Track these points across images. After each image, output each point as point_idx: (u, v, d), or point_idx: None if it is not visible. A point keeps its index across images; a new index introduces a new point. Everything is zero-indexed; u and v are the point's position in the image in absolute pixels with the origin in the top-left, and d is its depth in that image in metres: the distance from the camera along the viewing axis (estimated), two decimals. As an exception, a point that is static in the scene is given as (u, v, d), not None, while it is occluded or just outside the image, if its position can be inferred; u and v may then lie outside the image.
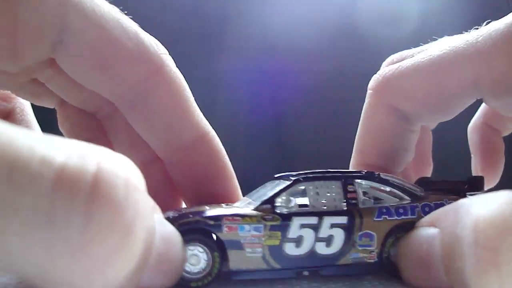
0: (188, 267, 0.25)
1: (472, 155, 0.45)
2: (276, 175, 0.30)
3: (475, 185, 0.30)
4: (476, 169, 0.44)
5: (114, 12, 0.27)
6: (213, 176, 0.31)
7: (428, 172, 0.41)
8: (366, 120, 0.36)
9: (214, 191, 0.31)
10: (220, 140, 0.33)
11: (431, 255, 0.23)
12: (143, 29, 0.30)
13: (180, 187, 0.32)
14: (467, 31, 0.32)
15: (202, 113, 0.33)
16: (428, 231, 0.25)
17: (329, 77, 0.73)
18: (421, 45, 0.35)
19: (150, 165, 0.32)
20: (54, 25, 0.25)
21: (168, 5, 0.73)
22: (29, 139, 0.14)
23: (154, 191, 0.29)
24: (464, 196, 0.29)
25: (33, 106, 0.36)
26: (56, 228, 0.14)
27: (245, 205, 0.28)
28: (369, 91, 0.36)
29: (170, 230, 0.21)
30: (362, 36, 0.70)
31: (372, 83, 0.35)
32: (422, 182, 0.33)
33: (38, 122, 0.38)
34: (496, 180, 0.43)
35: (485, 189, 0.31)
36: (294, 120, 0.74)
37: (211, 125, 0.33)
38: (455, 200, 0.28)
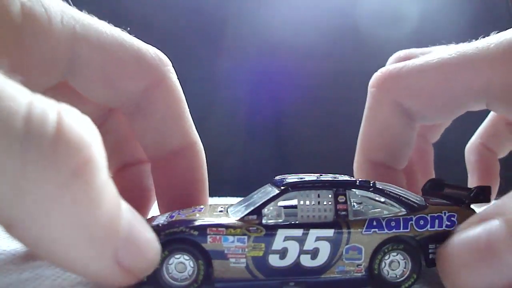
0: (175, 274, 0.26)
1: (468, 174, 0.47)
2: (276, 177, 0.30)
3: (481, 195, 0.29)
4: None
5: (117, 34, 0.29)
6: (190, 183, 0.33)
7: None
8: (370, 117, 0.36)
9: (187, 197, 0.33)
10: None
11: (494, 246, 0.22)
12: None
13: (158, 188, 0.34)
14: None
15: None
16: (484, 226, 0.23)
17: (329, 77, 0.73)
18: (423, 45, 0.36)
19: (131, 167, 0.35)
20: (62, 59, 0.27)
21: (168, 5, 0.73)
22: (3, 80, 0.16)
23: (129, 189, 0.33)
24: (468, 207, 0.28)
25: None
26: (30, 145, 0.16)
27: (234, 212, 0.28)
28: (371, 89, 0.36)
29: (135, 212, 0.22)
30: (362, 36, 0.70)
31: (374, 80, 0.36)
32: (434, 183, 0.33)
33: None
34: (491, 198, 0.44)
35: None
36: (293, 119, 0.74)
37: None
38: (454, 212, 0.28)
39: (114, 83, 0.30)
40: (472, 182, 0.46)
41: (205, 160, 0.33)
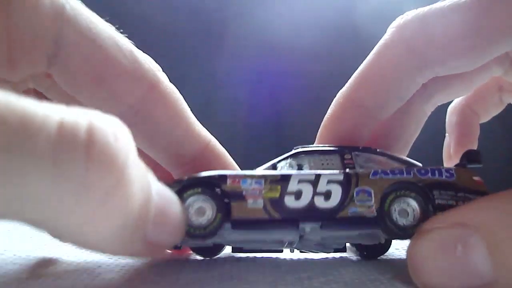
0: (192, 218, 0.27)
1: (447, 134, 0.45)
2: (295, 147, 0.32)
3: (472, 158, 0.30)
4: (448, 149, 0.44)
5: (110, 30, 0.28)
6: None
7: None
8: (376, 56, 0.33)
9: None
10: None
11: (469, 256, 0.23)
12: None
13: None
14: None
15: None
16: (457, 231, 0.23)
17: (329, 77, 0.73)
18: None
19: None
20: (48, 37, 0.25)
21: (168, 5, 0.74)
22: (30, 100, 0.17)
23: None
24: (464, 167, 0.30)
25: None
26: (62, 169, 0.16)
27: None
28: (391, 29, 0.33)
29: (165, 188, 0.23)
30: (362, 36, 0.70)
31: (396, 21, 0.33)
32: None
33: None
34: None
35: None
36: (293, 120, 0.74)
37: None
38: (452, 168, 0.29)
39: (104, 83, 0.27)
40: (450, 142, 0.44)
41: (225, 152, 0.33)
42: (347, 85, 0.35)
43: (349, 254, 0.33)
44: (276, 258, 0.32)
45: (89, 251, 0.21)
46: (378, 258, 0.32)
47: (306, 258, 0.32)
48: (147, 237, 0.21)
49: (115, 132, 0.18)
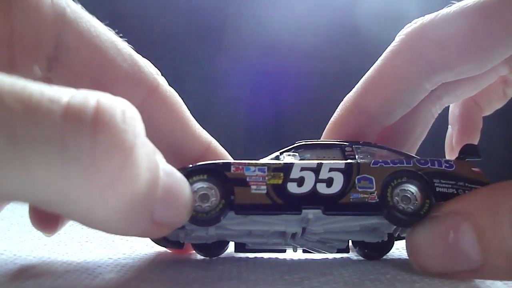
0: (196, 203, 0.27)
1: (449, 126, 0.45)
2: (297, 141, 0.32)
3: (470, 152, 0.31)
4: (450, 141, 0.44)
5: (110, 34, 0.28)
6: None
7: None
8: (384, 62, 0.33)
9: None
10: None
11: (460, 241, 0.25)
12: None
13: None
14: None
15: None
16: (450, 219, 0.26)
17: (329, 77, 0.73)
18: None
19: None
20: (49, 40, 0.26)
21: (168, 5, 0.74)
22: (37, 85, 0.17)
23: None
24: (463, 160, 0.30)
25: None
26: (69, 151, 0.17)
27: None
28: (399, 36, 0.33)
29: (174, 169, 0.23)
30: (362, 36, 0.70)
31: (404, 29, 0.33)
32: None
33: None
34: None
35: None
36: (293, 119, 0.74)
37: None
38: (451, 160, 0.30)
39: (104, 87, 0.26)
40: (453, 134, 0.44)
41: (228, 156, 0.33)
42: (354, 90, 0.35)
43: (352, 255, 0.33)
44: (276, 258, 0.32)
45: (96, 229, 0.21)
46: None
47: (306, 258, 0.32)
48: (154, 217, 0.21)
49: (123, 112, 0.18)
